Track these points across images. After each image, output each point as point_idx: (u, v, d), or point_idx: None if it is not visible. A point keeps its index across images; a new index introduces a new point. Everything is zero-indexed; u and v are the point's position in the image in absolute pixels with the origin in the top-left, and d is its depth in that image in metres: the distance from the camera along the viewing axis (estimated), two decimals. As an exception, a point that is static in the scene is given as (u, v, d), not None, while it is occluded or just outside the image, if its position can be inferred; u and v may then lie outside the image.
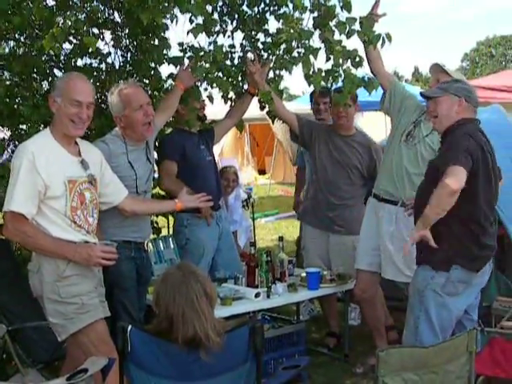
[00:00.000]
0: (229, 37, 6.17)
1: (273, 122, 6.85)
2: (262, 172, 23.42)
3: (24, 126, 6.01)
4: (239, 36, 6.13)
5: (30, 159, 3.94)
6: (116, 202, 4.60)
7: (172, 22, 6.11)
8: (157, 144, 5.95)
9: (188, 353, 3.13)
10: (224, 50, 5.75)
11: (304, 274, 5.80)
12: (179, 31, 5.45)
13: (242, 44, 6.17)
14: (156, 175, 5.74)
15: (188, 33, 4.98)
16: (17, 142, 6.16)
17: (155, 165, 5.60)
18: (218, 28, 6.02)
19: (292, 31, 5.17)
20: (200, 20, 5.04)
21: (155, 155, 5.67)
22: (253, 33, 6.10)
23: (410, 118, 5.52)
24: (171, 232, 6.15)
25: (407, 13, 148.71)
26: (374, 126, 14.41)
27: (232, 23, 6.12)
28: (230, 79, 5.83)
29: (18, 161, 3.97)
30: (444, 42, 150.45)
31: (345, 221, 6.22)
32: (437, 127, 4.70)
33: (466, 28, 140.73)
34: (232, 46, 6.14)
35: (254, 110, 6.47)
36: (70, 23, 4.75)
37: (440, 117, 4.59)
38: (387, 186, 5.53)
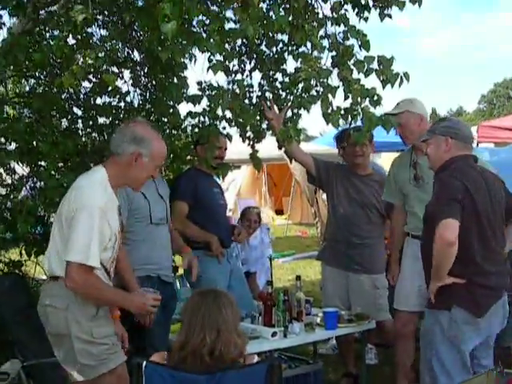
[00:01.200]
0: (247, 76, 6.21)
1: (291, 162, 6.81)
2: (279, 212, 23.39)
3: (43, 163, 6.04)
4: (257, 76, 6.16)
5: (102, 209, 3.86)
6: None
7: (191, 61, 6.17)
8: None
9: (206, 382, 3.10)
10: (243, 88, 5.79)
11: (321, 314, 5.75)
12: (198, 70, 5.48)
13: (260, 83, 6.20)
14: None
15: (208, 70, 5.00)
16: (35, 179, 6.21)
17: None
18: (236, 67, 6.08)
19: (310, 70, 5.17)
20: (219, 57, 5.06)
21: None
22: (271, 72, 6.14)
23: (406, 169, 5.74)
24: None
25: (424, 56, 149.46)
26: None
27: (250, 63, 6.16)
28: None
29: (91, 209, 3.83)
30: (461, 84, 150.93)
31: (365, 260, 6.17)
32: (431, 167, 4.80)
33: (482, 70, 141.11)
34: (250, 86, 6.17)
35: (272, 149, 6.48)
36: (89, 61, 4.76)
37: (431, 158, 4.73)
38: (419, 224, 5.50)
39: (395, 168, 6.00)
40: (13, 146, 5.97)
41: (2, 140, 6.06)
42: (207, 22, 4.72)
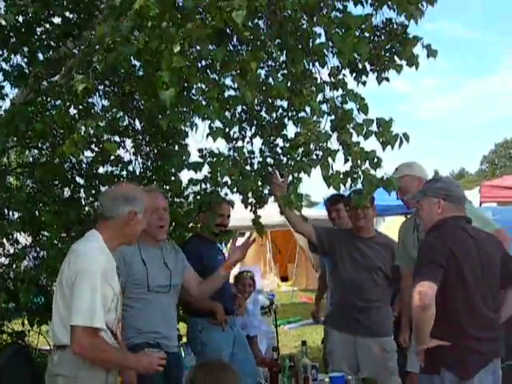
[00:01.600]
0: (248, 143, 6.24)
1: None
2: (284, 279, 23.30)
3: (45, 232, 6.04)
4: (258, 142, 6.20)
5: (103, 273, 3.88)
6: None
7: (192, 129, 6.22)
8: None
9: None
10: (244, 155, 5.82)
11: (328, 380, 5.67)
12: (199, 138, 5.53)
13: (261, 149, 6.23)
14: None
15: (207, 136, 5.03)
16: (38, 248, 6.21)
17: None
18: (236, 134, 6.12)
19: (310, 134, 5.21)
20: (219, 124, 5.11)
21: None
22: (271, 138, 6.17)
23: (410, 233, 5.77)
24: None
25: (424, 119, 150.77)
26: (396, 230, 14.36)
27: (251, 129, 6.19)
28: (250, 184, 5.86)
29: (93, 274, 3.85)
30: (462, 145, 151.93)
31: (372, 323, 6.10)
32: (424, 229, 4.82)
33: (483, 132, 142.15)
34: (251, 152, 6.20)
35: (275, 216, 6.47)
36: (91, 130, 4.81)
37: (424, 220, 4.74)
38: None
39: (402, 232, 6.02)
40: (15, 215, 5.99)
41: (5, 210, 6.08)
42: (206, 89, 4.77)
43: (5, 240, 6.35)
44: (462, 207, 4.65)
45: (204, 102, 4.71)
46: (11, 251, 6.36)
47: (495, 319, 4.46)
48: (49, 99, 6.19)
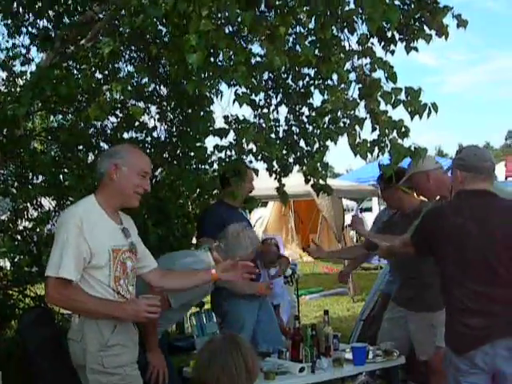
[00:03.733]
0: (273, 110, 6.20)
1: (317, 196, 6.75)
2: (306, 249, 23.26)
3: (70, 198, 6.04)
4: (284, 110, 6.15)
5: (77, 225, 3.88)
6: (145, 269, 4.42)
7: (217, 96, 6.18)
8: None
9: None
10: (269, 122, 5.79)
11: (349, 349, 5.66)
12: (224, 105, 5.49)
13: (286, 117, 6.19)
14: None
15: (234, 102, 4.99)
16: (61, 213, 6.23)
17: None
18: (262, 102, 6.07)
19: (337, 101, 5.15)
20: (245, 90, 5.05)
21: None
22: (297, 106, 6.12)
23: None
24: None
25: (451, 93, 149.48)
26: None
27: (277, 97, 6.16)
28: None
29: (65, 226, 3.92)
30: (487, 120, 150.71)
31: (424, 299, 6.01)
32: None
33: (508, 106, 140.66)
34: (277, 120, 6.16)
35: (298, 186, 6.42)
36: (116, 94, 4.79)
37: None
38: None
39: None
40: (39, 179, 5.99)
41: (29, 175, 6.09)
42: (233, 54, 4.72)
43: (29, 204, 6.36)
44: (486, 177, 4.36)
45: (231, 68, 4.67)
46: (35, 215, 6.37)
47: (494, 294, 4.20)
48: (75, 63, 6.17)
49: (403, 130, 5.12)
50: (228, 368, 2.99)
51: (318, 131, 5.86)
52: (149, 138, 6.59)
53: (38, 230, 5.90)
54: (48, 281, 3.88)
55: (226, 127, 5.81)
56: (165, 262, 4.97)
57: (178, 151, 6.46)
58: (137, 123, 6.36)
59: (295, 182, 6.34)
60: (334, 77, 5.36)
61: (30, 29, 6.58)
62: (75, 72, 5.97)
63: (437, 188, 5.45)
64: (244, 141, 5.52)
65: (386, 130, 5.10)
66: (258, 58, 5.33)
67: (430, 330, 5.84)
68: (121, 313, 3.98)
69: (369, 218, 22.12)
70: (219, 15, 4.60)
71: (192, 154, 6.39)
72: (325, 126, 5.63)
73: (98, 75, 6.14)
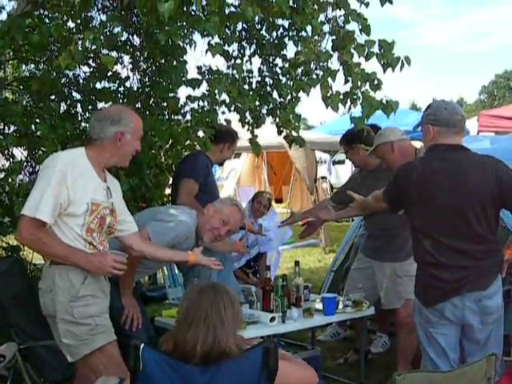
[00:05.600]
0: (247, 61, 6.19)
1: (290, 147, 6.77)
2: (279, 201, 23.31)
3: (42, 148, 6.00)
4: (257, 61, 6.14)
5: (62, 171, 3.89)
6: (126, 232, 4.44)
7: (190, 46, 6.13)
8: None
9: (201, 373, 3.06)
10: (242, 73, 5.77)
11: (319, 300, 5.73)
12: (197, 56, 5.46)
13: (259, 69, 6.17)
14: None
15: (207, 52, 4.96)
16: (33, 163, 6.18)
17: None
18: (236, 52, 6.05)
19: (310, 52, 5.15)
20: (218, 40, 5.04)
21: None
22: (271, 58, 6.11)
23: None
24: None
25: (425, 45, 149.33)
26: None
27: (250, 48, 6.14)
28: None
29: (51, 169, 3.92)
30: (461, 74, 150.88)
31: (390, 250, 6.09)
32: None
33: (483, 61, 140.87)
34: (250, 71, 6.15)
35: (271, 137, 6.43)
36: (88, 43, 4.74)
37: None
38: None
39: None
40: (11, 129, 5.94)
41: (1, 125, 6.03)
42: (206, 5, 4.67)
43: (0, 154, 6.31)
44: (459, 130, 4.31)
45: (204, 17, 4.63)
46: (7, 165, 6.32)
47: (466, 248, 4.22)
48: (46, 12, 6.08)
49: (376, 82, 5.14)
50: (216, 304, 3.07)
51: (291, 82, 5.87)
52: (121, 88, 6.52)
53: (9, 180, 5.85)
54: (22, 219, 3.89)
55: (199, 78, 5.80)
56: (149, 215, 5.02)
57: (151, 101, 6.41)
58: (109, 73, 6.30)
59: (268, 133, 6.35)
60: (308, 28, 5.35)
61: (-1, -24, 6.48)
62: (47, 21, 5.90)
63: (402, 156, 5.40)
64: (217, 91, 5.51)
65: (359, 83, 5.11)
66: (232, 8, 5.30)
67: (395, 279, 5.95)
68: (87, 263, 4.00)
69: (341, 171, 22.35)
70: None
71: (165, 104, 6.36)
72: (298, 77, 5.63)
73: (71, 24, 6.06)
